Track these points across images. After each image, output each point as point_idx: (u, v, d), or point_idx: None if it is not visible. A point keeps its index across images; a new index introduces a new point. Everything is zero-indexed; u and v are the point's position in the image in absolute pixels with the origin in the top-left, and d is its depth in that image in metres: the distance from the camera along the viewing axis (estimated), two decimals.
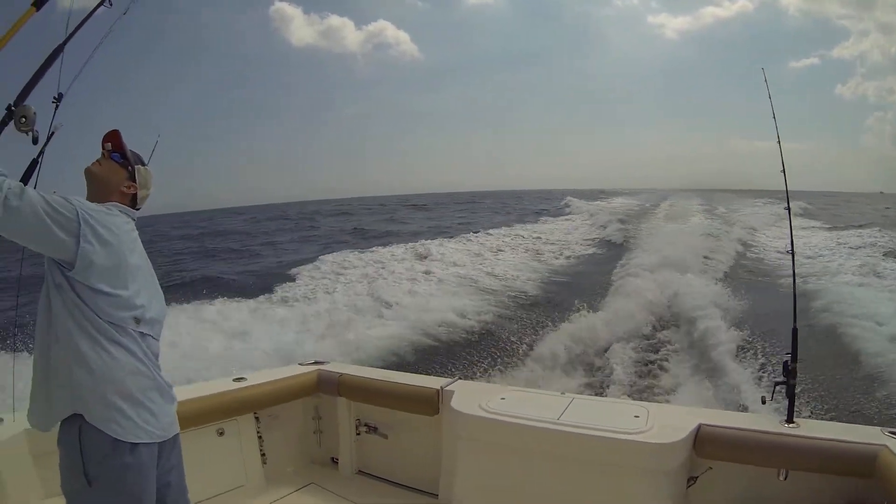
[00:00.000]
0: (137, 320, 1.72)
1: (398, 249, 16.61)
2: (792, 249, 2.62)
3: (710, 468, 2.28)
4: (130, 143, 1.92)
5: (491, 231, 23.04)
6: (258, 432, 3.10)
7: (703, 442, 2.23)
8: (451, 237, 20.34)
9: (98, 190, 1.83)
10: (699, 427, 2.25)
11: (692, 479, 2.31)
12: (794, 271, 2.66)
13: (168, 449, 1.80)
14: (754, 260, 15.67)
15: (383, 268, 13.64)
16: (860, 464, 2.03)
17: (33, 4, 2.00)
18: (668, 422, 2.31)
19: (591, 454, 2.29)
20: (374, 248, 16.87)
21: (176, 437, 1.85)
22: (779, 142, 2.86)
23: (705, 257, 14.25)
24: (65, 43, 2.03)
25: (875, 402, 5.57)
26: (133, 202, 1.91)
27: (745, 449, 2.20)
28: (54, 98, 1.97)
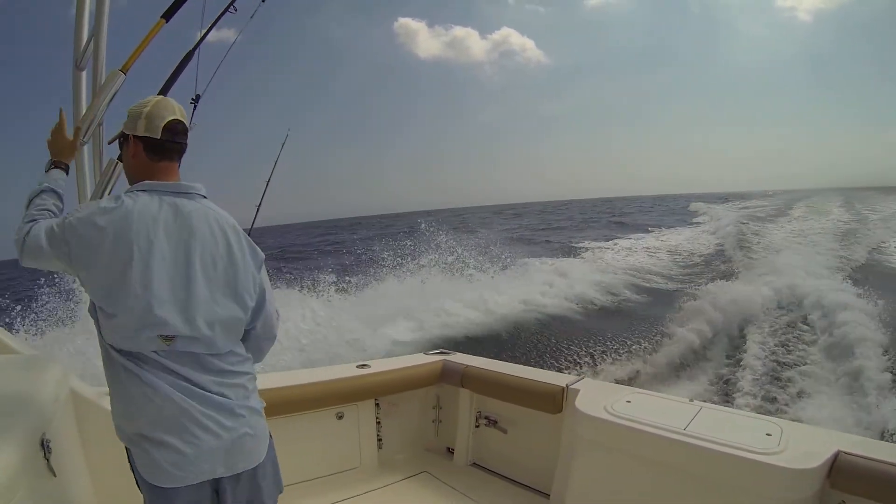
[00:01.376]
0: (167, 338, 1.34)
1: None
2: None
3: (843, 502, 1.98)
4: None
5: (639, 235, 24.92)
6: (377, 418, 3.15)
7: (840, 472, 1.95)
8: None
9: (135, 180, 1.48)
10: (837, 454, 1.98)
11: None
12: None
13: (231, 486, 1.45)
14: None
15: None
16: None
17: (163, 16, 2.10)
18: (803, 444, 2.06)
19: (716, 471, 2.09)
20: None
21: (242, 474, 1.47)
22: None
23: (844, 259, 13.37)
24: (196, 47, 2.09)
25: None
26: (161, 150, 1.45)
27: (886, 486, 1.87)
28: (192, 99, 2.04)
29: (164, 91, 2.01)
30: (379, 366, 3.09)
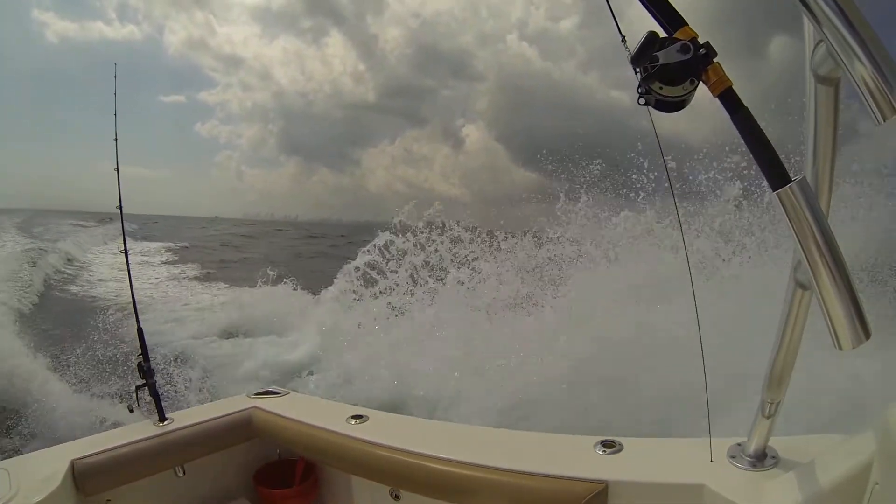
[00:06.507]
0: None
1: None
2: (128, 265, 2.80)
3: (109, 500, 2.03)
4: None
5: None
6: None
7: (86, 478, 1.93)
8: None
9: None
10: (72, 464, 1.94)
11: None
12: (130, 286, 2.66)
13: None
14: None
15: None
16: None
17: None
18: (38, 472, 1.89)
19: None
20: None
21: None
22: (117, 169, 3.08)
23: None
24: None
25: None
26: None
27: (131, 463, 2.04)
28: None
29: None
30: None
